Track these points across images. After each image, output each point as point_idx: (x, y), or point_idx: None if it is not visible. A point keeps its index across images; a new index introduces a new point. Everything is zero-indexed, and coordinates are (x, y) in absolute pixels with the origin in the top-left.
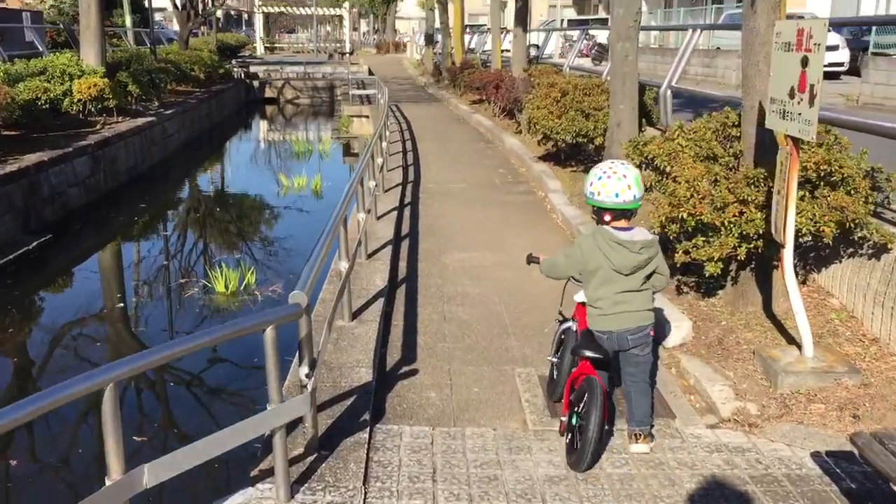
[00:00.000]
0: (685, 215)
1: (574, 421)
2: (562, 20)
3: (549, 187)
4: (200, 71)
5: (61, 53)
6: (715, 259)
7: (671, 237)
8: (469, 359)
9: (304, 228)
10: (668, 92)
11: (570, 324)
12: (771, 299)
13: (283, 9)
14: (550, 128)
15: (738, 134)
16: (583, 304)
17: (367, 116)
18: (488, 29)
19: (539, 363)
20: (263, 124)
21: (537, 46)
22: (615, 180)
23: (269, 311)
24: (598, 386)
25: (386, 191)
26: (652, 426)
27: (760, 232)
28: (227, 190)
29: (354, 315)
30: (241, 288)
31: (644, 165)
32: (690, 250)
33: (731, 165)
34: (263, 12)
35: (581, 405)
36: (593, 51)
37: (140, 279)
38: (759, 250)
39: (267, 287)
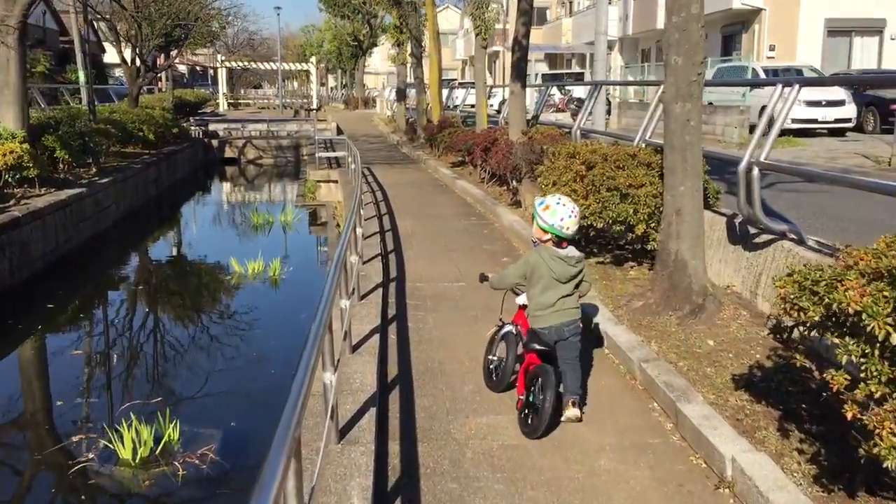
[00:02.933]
0: None
1: (531, 398)
2: (536, 75)
3: None
4: (150, 131)
5: None
6: None
7: None
8: None
9: (254, 346)
10: (756, 171)
11: (510, 327)
12: None
13: (247, 64)
14: None
15: None
16: (522, 307)
17: (336, 181)
18: (460, 84)
19: None
20: (221, 188)
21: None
22: (576, 221)
23: None
24: (551, 371)
25: (363, 297)
26: (582, 395)
27: None
28: (163, 279)
29: None
30: (158, 451)
31: (827, 321)
32: None
33: None
34: (227, 67)
35: (536, 386)
36: (571, 105)
37: (12, 437)
38: None
39: (195, 449)
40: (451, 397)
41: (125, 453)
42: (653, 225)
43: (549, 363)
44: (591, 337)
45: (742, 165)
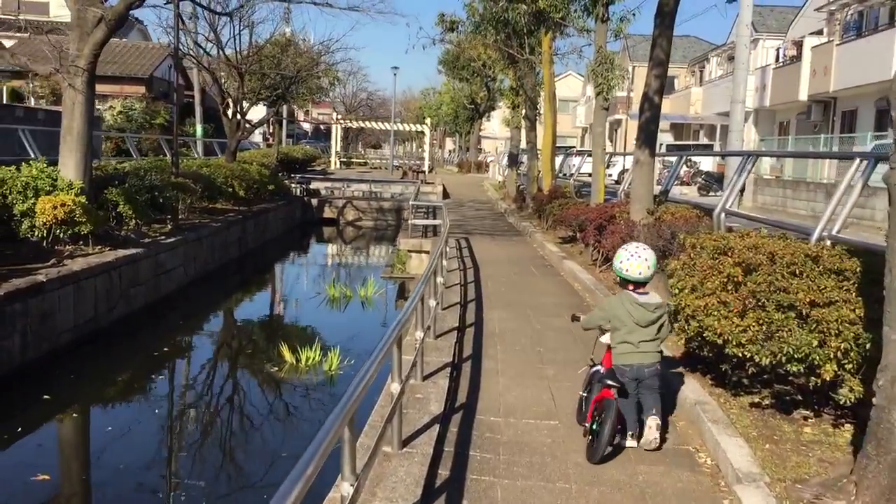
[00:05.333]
0: None
1: (594, 427)
2: (660, 144)
3: (728, 454)
4: (240, 187)
5: (34, 162)
6: None
7: None
8: None
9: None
10: None
11: (598, 367)
12: None
13: (362, 124)
14: (724, 334)
15: None
16: (608, 347)
17: (428, 252)
18: (578, 151)
19: None
20: (312, 252)
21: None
22: (639, 262)
23: None
24: (614, 404)
25: (406, 442)
26: (660, 422)
27: None
28: (196, 368)
29: None
30: None
31: None
32: None
33: None
34: (343, 126)
35: (600, 417)
36: (697, 179)
37: None
38: None
39: None
40: None
41: None
42: (849, 366)
43: (621, 397)
44: None
45: None
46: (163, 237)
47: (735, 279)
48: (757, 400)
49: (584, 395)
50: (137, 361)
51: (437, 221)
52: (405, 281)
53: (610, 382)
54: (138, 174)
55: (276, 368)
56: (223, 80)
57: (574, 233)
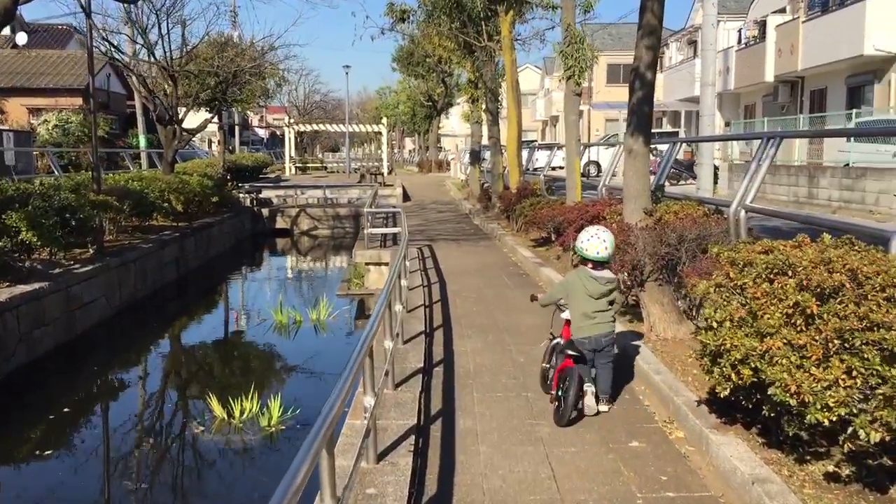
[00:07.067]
0: None
1: (559, 393)
2: (617, 134)
3: None
4: (178, 201)
5: None
6: None
7: None
8: None
9: None
10: None
11: (558, 339)
12: None
13: (315, 126)
14: (803, 393)
15: None
16: (567, 321)
17: (387, 264)
18: (541, 145)
19: None
20: (262, 268)
21: (598, 164)
22: (598, 243)
23: None
24: (576, 372)
25: None
26: (611, 395)
27: None
28: (109, 429)
29: None
30: None
31: None
32: None
33: None
34: (297, 131)
35: (564, 384)
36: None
37: None
38: None
39: None
40: None
41: None
42: None
43: (580, 364)
44: None
45: None
46: (79, 265)
47: (806, 310)
48: (832, 468)
49: (547, 365)
50: (23, 430)
51: (396, 229)
52: (364, 297)
53: (570, 352)
54: (44, 194)
55: (202, 428)
56: (154, 85)
57: (548, 234)
